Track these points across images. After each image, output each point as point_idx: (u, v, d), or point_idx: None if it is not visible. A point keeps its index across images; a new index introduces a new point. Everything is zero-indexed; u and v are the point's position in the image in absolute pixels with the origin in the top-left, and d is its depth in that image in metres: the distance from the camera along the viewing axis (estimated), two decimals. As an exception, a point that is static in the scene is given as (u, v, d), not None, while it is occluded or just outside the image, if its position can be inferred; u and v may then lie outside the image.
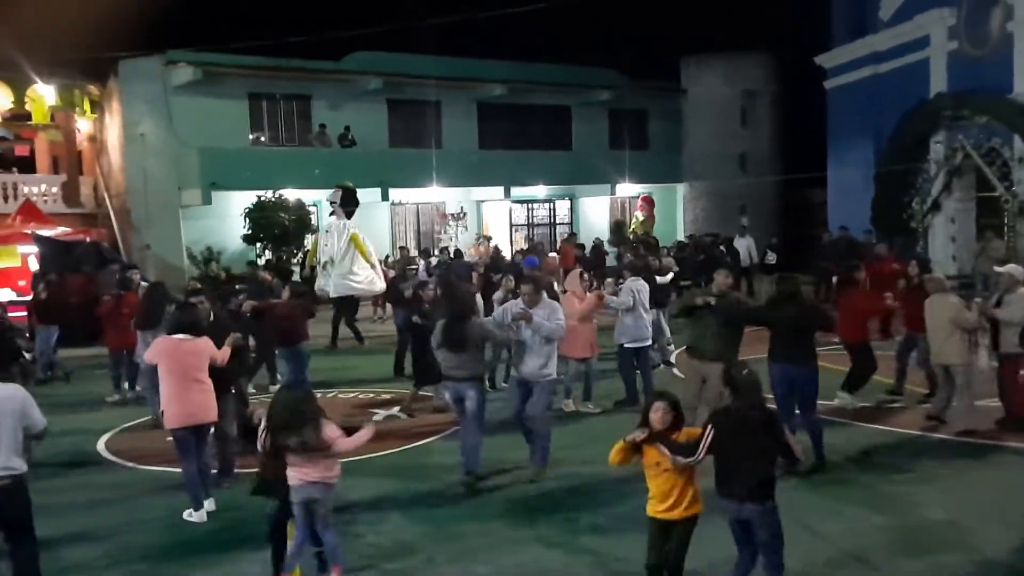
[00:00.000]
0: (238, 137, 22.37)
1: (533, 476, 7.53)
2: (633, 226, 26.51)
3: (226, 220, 21.25)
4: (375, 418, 9.74)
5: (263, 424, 5.45)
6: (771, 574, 4.83)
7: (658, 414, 4.86)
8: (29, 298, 14.65)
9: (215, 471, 7.32)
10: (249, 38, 20.54)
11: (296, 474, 5.30)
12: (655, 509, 4.91)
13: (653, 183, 27.84)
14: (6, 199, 20.99)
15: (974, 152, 19.57)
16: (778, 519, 4.80)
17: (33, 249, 17.01)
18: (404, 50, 23.53)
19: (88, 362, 14.06)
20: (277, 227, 20.29)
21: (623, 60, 27.91)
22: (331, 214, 11.85)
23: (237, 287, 13.30)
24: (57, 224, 19.00)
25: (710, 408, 6.17)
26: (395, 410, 10.46)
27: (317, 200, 21.55)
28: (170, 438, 7.09)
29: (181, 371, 6.84)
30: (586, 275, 10.72)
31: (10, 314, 11.00)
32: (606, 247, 23.52)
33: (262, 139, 23.10)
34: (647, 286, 10.45)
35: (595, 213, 28.50)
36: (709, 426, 4.82)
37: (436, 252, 21.34)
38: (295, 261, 20.05)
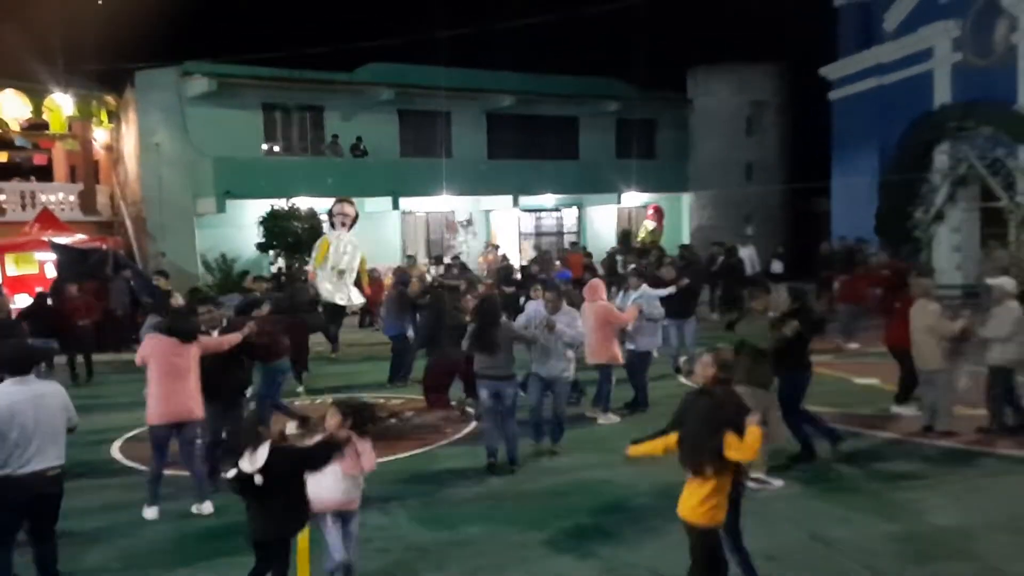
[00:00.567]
0: (252, 147, 22.71)
1: (552, 450, 8.64)
2: (642, 235, 26.69)
3: (240, 228, 21.60)
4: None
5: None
6: None
7: (702, 367, 5.03)
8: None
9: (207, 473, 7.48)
10: (263, 50, 20.87)
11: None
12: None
13: (660, 192, 28.05)
14: (24, 207, 21.34)
15: (978, 162, 19.70)
16: None
17: (51, 256, 17.32)
18: (415, 62, 23.88)
19: (102, 368, 14.33)
20: (290, 235, 20.56)
21: (630, 71, 28.20)
22: (346, 226, 12.07)
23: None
24: (74, 232, 19.31)
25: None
26: (409, 414, 10.67)
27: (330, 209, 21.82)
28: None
29: (171, 371, 7.05)
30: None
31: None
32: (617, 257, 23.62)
33: (276, 149, 23.41)
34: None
35: (602, 222, 28.73)
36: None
37: (448, 259, 21.57)
38: (307, 268, 20.31)
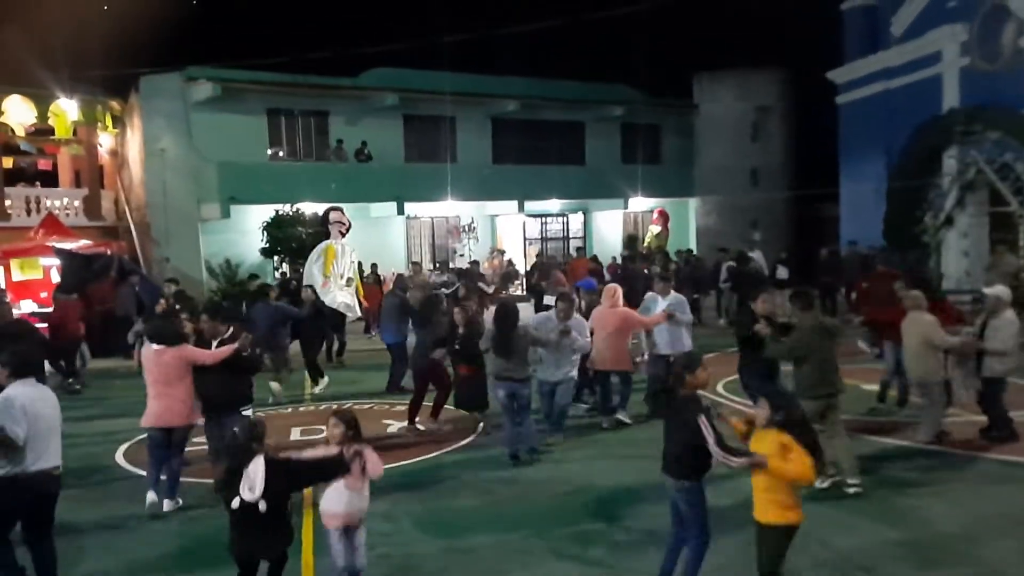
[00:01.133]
0: (257, 152, 22.71)
1: (552, 443, 9.08)
2: (648, 240, 26.61)
3: (244, 234, 21.60)
4: (389, 429, 9.89)
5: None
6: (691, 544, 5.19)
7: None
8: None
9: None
10: (268, 55, 20.84)
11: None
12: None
13: (665, 197, 27.98)
14: (29, 212, 21.39)
15: (987, 167, 19.61)
16: (696, 498, 5.14)
17: (55, 262, 17.31)
18: (420, 67, 23.86)
19: (105, 373, 14.29)
20: (294, 241, 20.55)
21: (636, 76, 28.19)
22: (343, 234, 12.05)
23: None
24: (79, 237, 19.30)
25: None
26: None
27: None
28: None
29: (161, 378, 7.29)
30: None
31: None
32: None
33: (280, 154, 23.42)
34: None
35: (608, 227, 28.67)
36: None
37: (453, 265, 21.53)
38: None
